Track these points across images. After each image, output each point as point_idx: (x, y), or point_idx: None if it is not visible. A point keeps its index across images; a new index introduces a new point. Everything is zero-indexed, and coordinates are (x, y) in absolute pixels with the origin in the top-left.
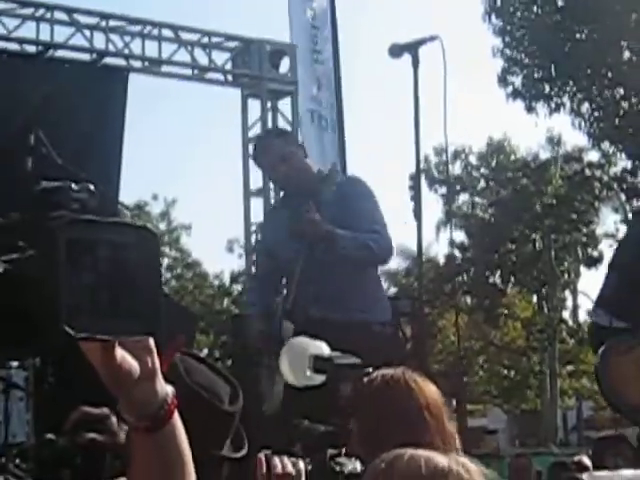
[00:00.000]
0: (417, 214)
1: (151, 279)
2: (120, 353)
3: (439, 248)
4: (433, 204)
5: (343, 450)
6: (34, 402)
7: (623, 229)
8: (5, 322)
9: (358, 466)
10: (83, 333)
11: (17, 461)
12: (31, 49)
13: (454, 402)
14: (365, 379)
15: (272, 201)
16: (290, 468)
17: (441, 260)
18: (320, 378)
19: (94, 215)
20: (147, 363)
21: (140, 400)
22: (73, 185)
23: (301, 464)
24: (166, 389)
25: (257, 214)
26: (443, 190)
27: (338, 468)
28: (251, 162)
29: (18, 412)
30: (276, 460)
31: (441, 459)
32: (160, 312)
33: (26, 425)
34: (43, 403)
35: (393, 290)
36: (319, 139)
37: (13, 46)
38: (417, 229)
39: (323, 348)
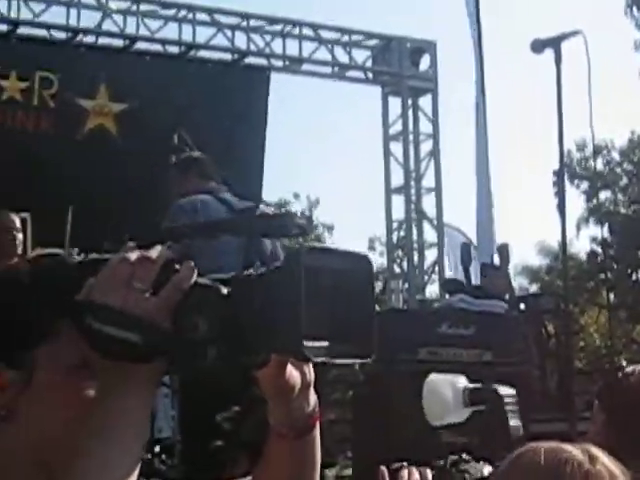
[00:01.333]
0: (561, 210)
1: (366, 305)
2: (289, 368)
3: (580, 245)
4: (574, 200)
5: (464, 455)
6: (179, 399)
7: None
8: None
9: (486, 470)
10: (319, 357)
11: (163, 457)
12: (174, 50)
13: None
14: (620, 374)
15: (413, 198)
16: (417, 477)
17: (582, 257)
18: (468, 411)
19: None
20: (305, 374)
21: (295, 410)
22: (294, 211)
23: (429, 473)
24: (315, 398)
25: (398, 211)
26: (584, 186)
27: (460, 475)
28: (392, 159)
29: (164, 408)
30: (404, 471)
31: (567, 448)
32: (373, 337)
33: (171, 421)
34: (188, 400)
35: (534, 287)
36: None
37: (156, 47)
38: (561, 225)
39: (461, 380)
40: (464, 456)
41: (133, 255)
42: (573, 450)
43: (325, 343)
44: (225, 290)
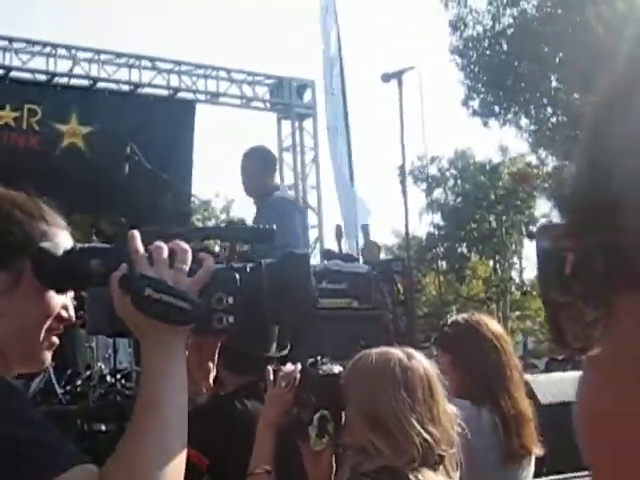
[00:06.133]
0: (404, 198)
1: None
2: None
3: (422, 229)
4: (417, 197)
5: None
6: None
7: (554, 213)
8: None
9: (336, 369)
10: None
11: (123, 381)
12: (125, 88)
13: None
14: (449, 323)
15: (300, 194)
16: (289, 368)
17: (423, 237)
18: None
19: None
20: None
21: None
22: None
23: (298, 366)
24: None
25: None
26: (423, 186)
27: (315, 371)
28: (285, 165)
29: (124, 346)
30: (284, 368)
31: (392, 350)
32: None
33: (129, 355)
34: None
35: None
36: (339, 147)
37: (112, 86)
38: (404, 212)
39: None
40: (319, 358)
41: (163, 245)
42: (396, 351)
43: None
44: (237, 275)
